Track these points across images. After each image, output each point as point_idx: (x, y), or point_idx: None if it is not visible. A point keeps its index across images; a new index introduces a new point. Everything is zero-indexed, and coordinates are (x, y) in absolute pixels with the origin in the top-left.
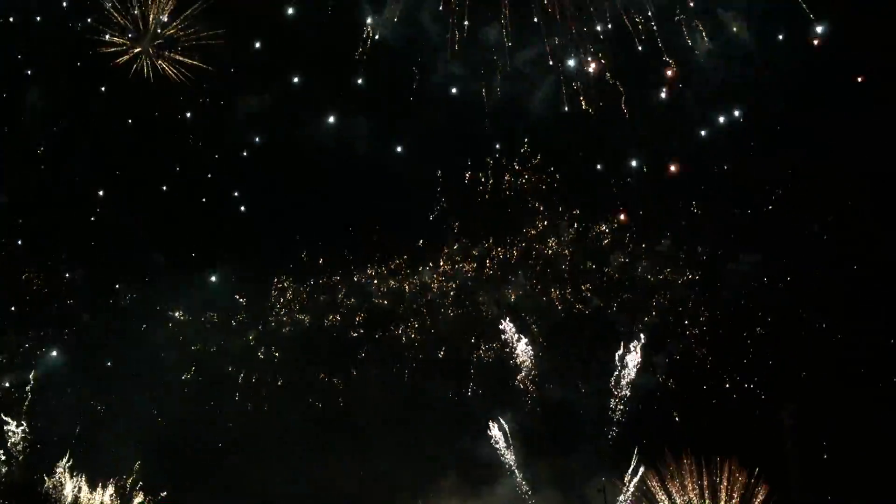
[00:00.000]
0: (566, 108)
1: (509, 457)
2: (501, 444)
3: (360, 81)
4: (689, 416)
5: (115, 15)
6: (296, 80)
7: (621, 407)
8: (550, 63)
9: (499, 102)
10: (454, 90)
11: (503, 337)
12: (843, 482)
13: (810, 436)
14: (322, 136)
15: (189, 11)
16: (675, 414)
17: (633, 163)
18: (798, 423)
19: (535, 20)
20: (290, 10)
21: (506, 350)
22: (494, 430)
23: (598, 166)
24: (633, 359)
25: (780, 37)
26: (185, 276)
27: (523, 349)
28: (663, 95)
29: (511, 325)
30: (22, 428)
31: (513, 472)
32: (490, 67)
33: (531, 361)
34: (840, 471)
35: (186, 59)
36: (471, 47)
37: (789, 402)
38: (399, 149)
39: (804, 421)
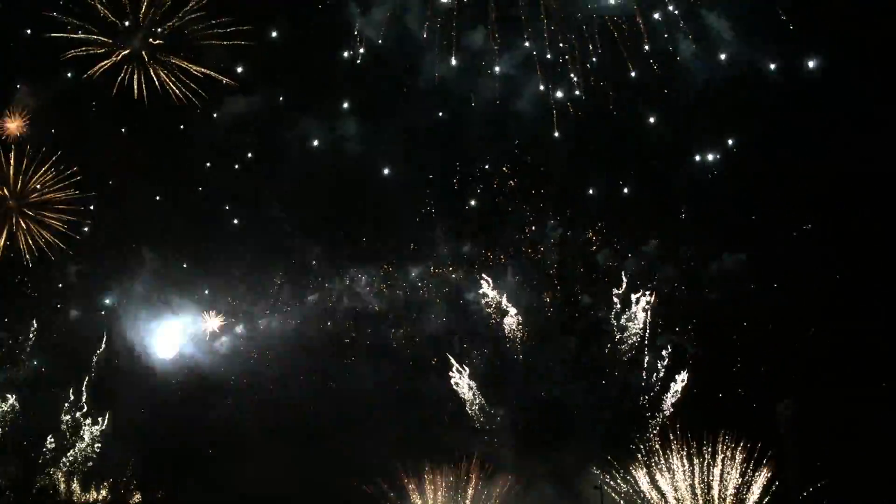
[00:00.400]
0: (553, 113)
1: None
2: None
3: (350, 86)
4: (684, 414)
5: (101, 8)
6: (285, 86)
7: (613, 404)
8: (538, 69)
9: (487, 108)
10: (443, 96)
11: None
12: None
13: (808, 433)
14: (312, 141)
15: (191, 5)
16: (666, 414)
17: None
18: (796, 422)
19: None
20: (282, 18)
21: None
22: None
23: (587, 171)
24: (624, 358)
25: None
26: (176, 277)
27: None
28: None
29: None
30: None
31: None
32: (478, 73)
33: (521, 358)
34: (837, 467)
35: (183, 63)
36: (459, 54)
37: (786, 401)
38: (388, 153)
39: (801, 418)
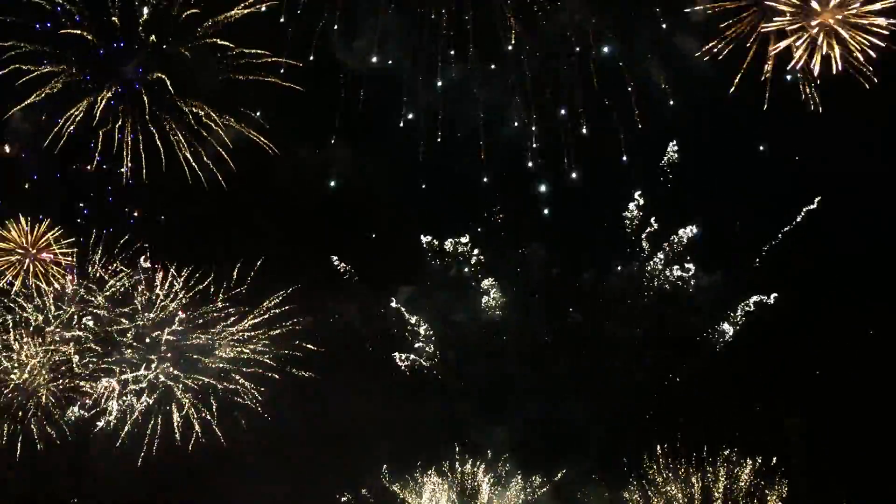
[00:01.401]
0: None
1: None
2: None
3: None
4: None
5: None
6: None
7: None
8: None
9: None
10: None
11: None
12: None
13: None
14: (299, 167)
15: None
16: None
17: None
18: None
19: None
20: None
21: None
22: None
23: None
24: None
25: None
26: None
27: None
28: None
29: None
30: None
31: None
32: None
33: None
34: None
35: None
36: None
37: (795, 414)
38: (375, 175)
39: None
